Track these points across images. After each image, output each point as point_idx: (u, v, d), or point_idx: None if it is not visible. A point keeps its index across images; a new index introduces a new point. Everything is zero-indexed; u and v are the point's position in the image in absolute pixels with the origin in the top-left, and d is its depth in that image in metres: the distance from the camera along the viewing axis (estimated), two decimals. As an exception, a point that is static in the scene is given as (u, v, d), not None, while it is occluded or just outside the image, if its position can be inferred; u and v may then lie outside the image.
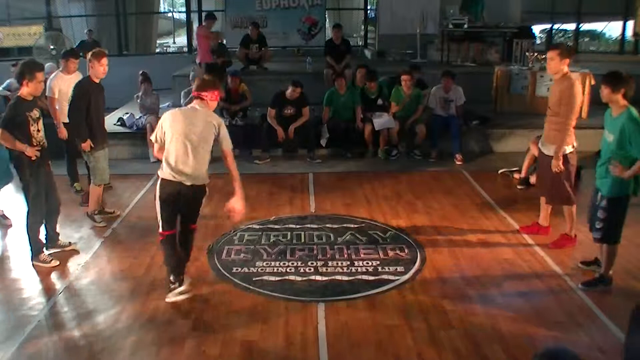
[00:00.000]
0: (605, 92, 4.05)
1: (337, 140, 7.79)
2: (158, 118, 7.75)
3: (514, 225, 5.43)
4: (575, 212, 4.90)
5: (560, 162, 4.71)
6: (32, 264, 4.71)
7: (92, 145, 5.35)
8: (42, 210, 4.74)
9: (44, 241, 4.85)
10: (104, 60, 5.28)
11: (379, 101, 7.88)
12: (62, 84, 6.09)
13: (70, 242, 5.08)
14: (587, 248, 4.72)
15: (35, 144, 4.55)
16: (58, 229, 5.04)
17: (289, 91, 7.48)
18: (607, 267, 4.24)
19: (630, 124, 3.90)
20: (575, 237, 4.95)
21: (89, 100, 5.28)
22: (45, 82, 7.50)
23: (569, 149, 4.80)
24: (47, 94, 6.18)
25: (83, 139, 5.32)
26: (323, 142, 7.77)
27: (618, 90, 3.97)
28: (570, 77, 4.75)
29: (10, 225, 5.55)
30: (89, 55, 5.37)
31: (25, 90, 4.53)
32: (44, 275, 4.60)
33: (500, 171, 7.03)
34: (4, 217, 5.63)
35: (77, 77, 6.27)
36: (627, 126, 3.90)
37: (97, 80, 5.34)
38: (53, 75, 6.30)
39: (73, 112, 5.37)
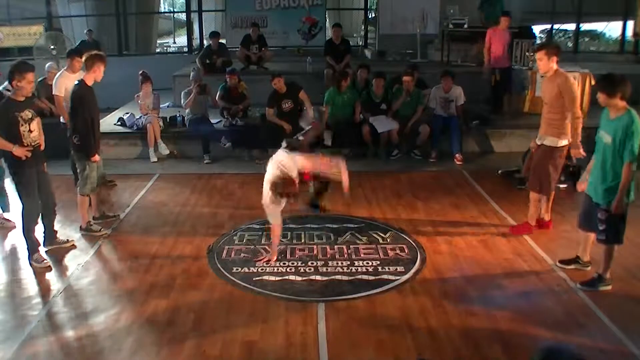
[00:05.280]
0: (602, 98, 3.99)
1: (339, 138, 7.78)
2: (158, 118, 7.81)
3: (514, 225, 5.44)
4: (549, 204, 5.24)
5: (581, 149, 4.92)
6: (30, 264, 4.72)
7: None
8: (36, 210, 4.75)
9: (41, 240, 4.87)
10: (104, 64, 5.15)
11: (383, 106, 7.86)
12: (68, 83, 6.05)
13: (68, 240, 5.10)
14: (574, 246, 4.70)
15: (27, 144, 4.53)
16: (56, 227, 5.06)
17: (274, 85, 7.51)
18: (606, 267, 4.23)
19: (632, 127, 3.84)
20: (534, 226, 5.21)
21: (89, 107, 5.13)
22: (45, 81, 7.67)
23: (564, 142, 4.93)
24: (53, 93, 6.18)
25: (93, 152, 5.16)
26: (328, 141, 7.75)
27: (615, 95, 3.91)
28: (563, 73, 4.92)
29: (14, 227, 5.50)
30: (88, 55, 5.19)
31: (16, 91, 4.50)
32: (44, 275, 4.60)
33: (500, 171, 7.03)
34: (6, 219, 5.62)
35: (81, 75, 6.27)
36: (627, 129, 3.85)
37: (90, 84, 5.16)
38: (58, 74, 6.29)
39: (79, 122, 5.10)
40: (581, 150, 4.93)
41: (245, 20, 11.79)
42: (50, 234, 4.99)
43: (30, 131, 4.56)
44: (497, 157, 7.83)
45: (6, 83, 8.63)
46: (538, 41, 10.67)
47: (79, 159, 5.27)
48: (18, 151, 4.48)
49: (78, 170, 5.37)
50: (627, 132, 3.85)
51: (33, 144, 4.60)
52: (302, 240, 5.14)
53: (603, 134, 4.08)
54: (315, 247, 5.00)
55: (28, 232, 4.74)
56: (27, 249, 4.75)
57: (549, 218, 5.31)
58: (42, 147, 4.74)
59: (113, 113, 8.79)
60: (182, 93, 7.96)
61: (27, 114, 4.56)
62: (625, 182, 3.92)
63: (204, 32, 13.27)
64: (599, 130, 4.15)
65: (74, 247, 5.06)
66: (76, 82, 5.25)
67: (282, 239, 5.11)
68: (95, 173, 5.34)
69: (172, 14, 23.20)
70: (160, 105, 8.19)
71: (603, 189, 4.07)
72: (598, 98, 4.05)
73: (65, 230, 5.37)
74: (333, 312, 3.97)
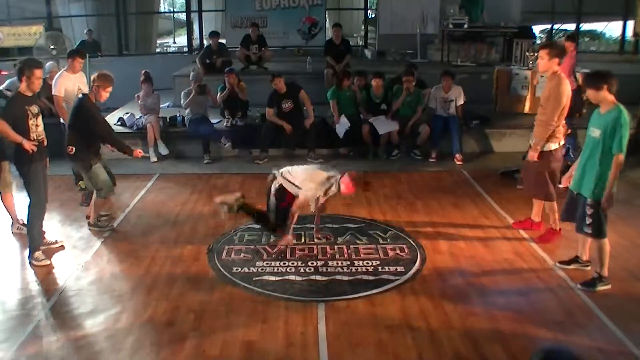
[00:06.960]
0: (591, 94, 4.13)
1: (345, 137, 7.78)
2: (158, 118, 7.81)
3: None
4: (556, 207, 4.98)
5: (536, 154, 4.83)
6: (30, 263, 4.72)
7: (92, 163, 5.23)
8: (43, 204, 4.79)
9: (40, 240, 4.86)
10: (110, 89, 5.16)
11: (383, 106, 7.85)
12: (68, 83, 6.09)
13: (56, 240, 5.09)
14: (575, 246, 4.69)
15: (33, 139, 4.61)
16: (57, 226, 5.07)
17: (274, 86, 7.51)
18: (602, 264, 4.25)
19: (619, 120, 3.96)
20: (559, 230, 5.05)
21: (94, 120, 5.16)
22: (45, 81, 7.66)
23: (554, 146, 4.89)
24: (53, 93, 6.18)
25: (87, 164, 5.21)
26: (341, 133, 7.72)
27: (600, 88, 4.04)
28: (560, 76, 4.82)
29: None
30: (93, 75, 5.16)
31: (24, 86, 4.62)
32: (44, 275, 4.60)
33: (500, 171, 7.03)
34: (24, 225, 5.61)
35: (81, 76, 6.28)
36: (616, 122, 3.96)
37: (93, 101, 5.18)
38: (58, 74, 6.29)
39: (74, 135, 5.17)
40: (535, 156, 4.84)
41: (245, 20, 11.79)
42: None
43: (37, 125, 4.67)
44: (497, 157, 7.83)
45: (6, 83, 8.68)
46: (538, 41, 10.70)
47: (79, 168, 5.34)
48: (27, 144, 4.54)
49: (88, 178, 5.35)
50: (615, 125, 3.97)
51: (39, 138, 4.68)
52: (302, 240, 5.14)
53: (593, 129, 4.17)
54: (315, 247, 5.00)
55: (32, 229, 4.76)
56: (29, 247, 4.76)
57: (539, 220, 5.30)
58: (45, 143, 4.80)
59: (113, 113, 8.78)
60: (182, 93, 7.96)
61: (34, 108, 4.67)
62: (614, 173, 4.02)
63: (204, 32, 13.27)
64: (589, 127, 4.24)
65: (62, 248, 5.05)
66: (80, 96, 5.32)
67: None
68: (104, 175, 5.31)
69: (172, 14, 23.19)
70: (160, 105, 8.18)
71: (589, 182, 4.15)
72: (588, 96, 4.22)
73: (65, 230, 5.38)
74: (333, 312, 3.97)
